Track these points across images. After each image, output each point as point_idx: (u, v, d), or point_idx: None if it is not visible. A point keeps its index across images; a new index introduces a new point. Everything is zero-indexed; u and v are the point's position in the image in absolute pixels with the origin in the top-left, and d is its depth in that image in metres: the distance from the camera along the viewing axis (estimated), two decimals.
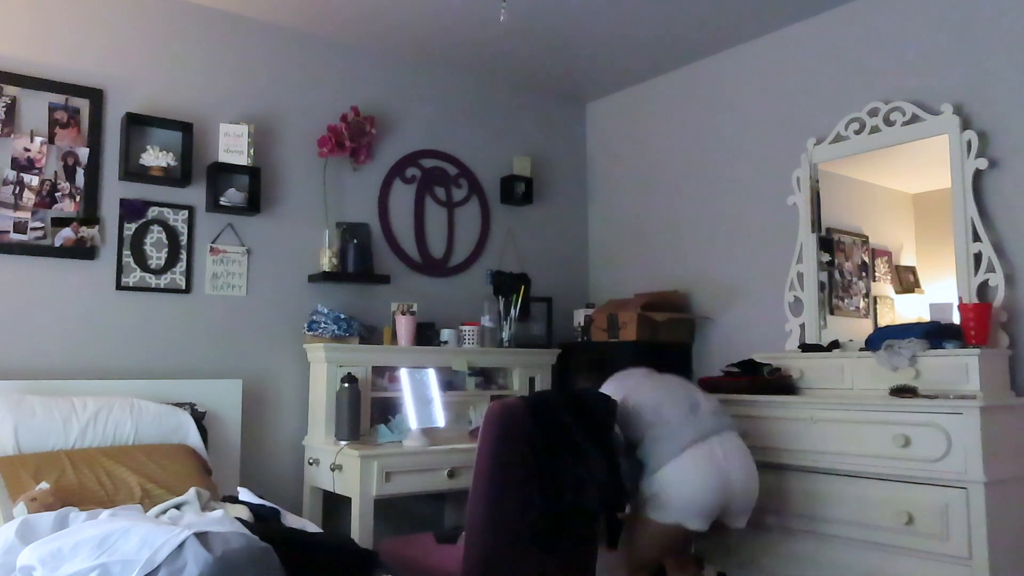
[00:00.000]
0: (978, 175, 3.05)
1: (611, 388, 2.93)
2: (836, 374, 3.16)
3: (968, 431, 2.54)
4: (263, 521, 2.49)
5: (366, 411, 3.56)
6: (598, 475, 2.62)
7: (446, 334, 3.89)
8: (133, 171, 3.34)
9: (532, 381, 4.06)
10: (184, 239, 3.48)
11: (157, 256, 3.42)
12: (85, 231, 3.24)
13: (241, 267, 3.61)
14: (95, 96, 3.31)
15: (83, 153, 3.27)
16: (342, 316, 3.64)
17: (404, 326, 3.72)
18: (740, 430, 2.83)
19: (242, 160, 3.52)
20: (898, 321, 3.36)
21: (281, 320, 3.68)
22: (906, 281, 3.45)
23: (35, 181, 3.16)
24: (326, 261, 3.71)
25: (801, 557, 2.95)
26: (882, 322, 3.42)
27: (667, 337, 3.97)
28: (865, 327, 3.39)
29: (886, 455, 2.72)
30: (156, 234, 3.42)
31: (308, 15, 3.72)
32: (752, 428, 3.12)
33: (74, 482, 2.60)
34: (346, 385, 3.41)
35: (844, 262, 3.55)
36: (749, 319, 3.84)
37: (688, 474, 2.62)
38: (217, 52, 3.63)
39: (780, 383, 3.25)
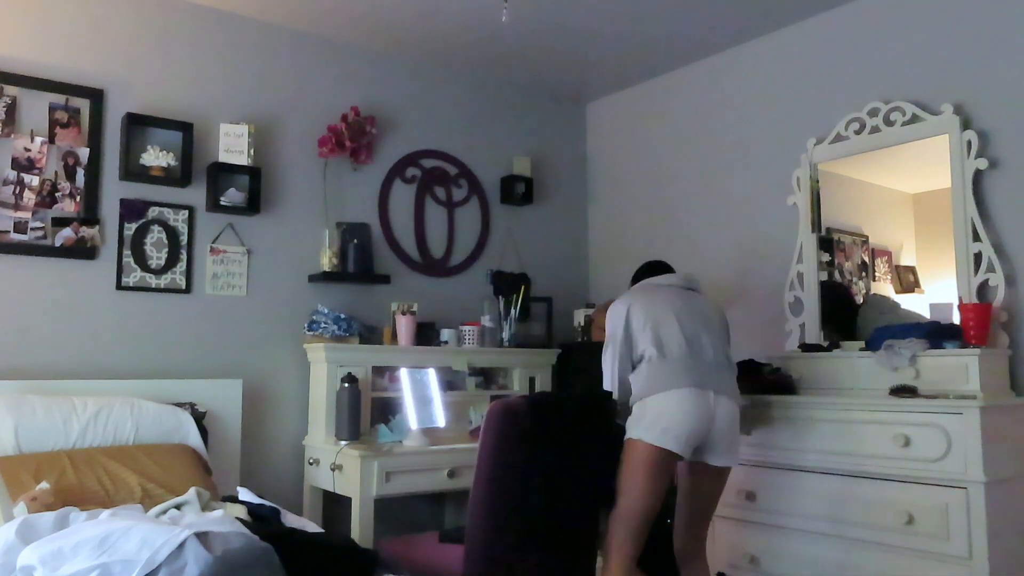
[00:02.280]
0: (978, 175, 3.05)
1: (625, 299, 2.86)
2: (836, 374, 3.16)
3: (968, 431, 2.54)
4: (263, 521, 2.49)
5: (366, 411, 3.56)
6: (599, 475, 2.62)
7: (446, 334, 3.89)
8: (133, 171, 3.34)
9: (532, 381, 4.06)
10: (184, 239, 3.48)
11: (157, 256, 3.42)
12: (85, 231, 3.25)
13: (241, 267, 3.61)
14: (95, 96, 3.31)
15: (83, 153, 3.27)
16: (342, 316, 3.64)
17: (404, 326, 3.72)
18: (741, 403, 2.79)
19: (242, 160, 3.52)
20: (898, 321, 3.36)
21: (281, 320, 3.68)
22: (906, 281, 3.45)
23: (35, 181, 3.16)
24: (326, 261, 3.71)
25: (801, 557, 2.95)
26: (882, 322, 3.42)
27: None
28: None
29: (886, 455, 2.72)
30: (156, 234, 3.42)
31: (308, 15, 3.72)
32: (752, 428, 3.12)
33: (74, 482, 2.60)
34: (346, 385, 3.41)
35: (844, 262, 3.55)
36: (749, 319, 3.84)
37: (673, 405, 2.58)
38: (217, 52, 3.63)
39: (780, 383, 3.25)
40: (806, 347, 3.40)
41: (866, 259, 3.53)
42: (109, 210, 3.33)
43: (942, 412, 2.61)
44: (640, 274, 3.07)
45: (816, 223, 3.56)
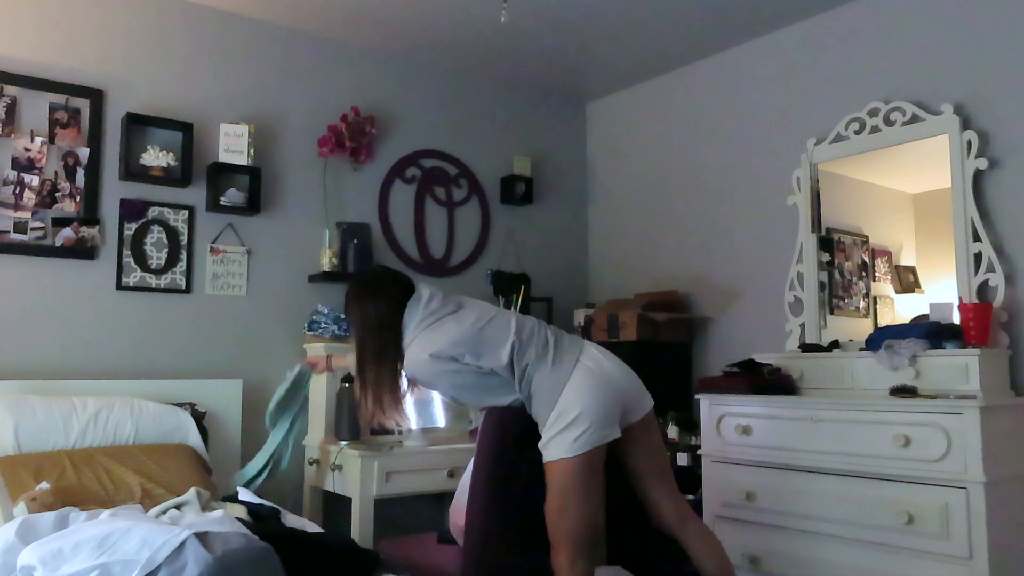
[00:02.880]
0: (978, 175, 3.05)
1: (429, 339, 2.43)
2: (836, 374, 3.16)
3: (968, 431, 2.54)
4: (263, 521, 2.49)
5: None
6: None
7: None
8: (133, 171, 3.34)
9: None
10: (184, 239, 3.48)
11: (157, 256, 3.42)
12: (85, 231, 3.25)
13: (241, 267, 3.61)
14: (95, 96, 3.31)
15: (83, 153, 3.27)
16: (342, 316, 3.64)
17: None
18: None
19: (242, 160, 3.52)
20: (898, 321, 3.36)
21: (281, 320, 3.68)
22: (906, 281, 3.44)
23: (35, 181, 3.16)
24: (326, 261, 3.71)
25: (801, 557, 2.95)
26: (882, 322, 3.42)
27: (667, 337, 3.97)
28: (865, 327, 3.39)
29: (886, 455, 2.72)
30: (156, 234, 3.42)
31: (308, 14, 3.72)
32: (752, 428, 3.12)
33: (74, 482, 2.60)
34: (346, 385, 3.41)
35: (844, 262, 3.55)
36: (749, 319, 3.84)
37: (576, 397, 2.29)
38: (217, 52, 3.63)
39: (780, 383, 3.25)
40: (806, 347, 3.40)
41: (866, 259, 3.53)
42: (109, 210, 3.33)
43: (942, 412, 2.61)
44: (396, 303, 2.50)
45: (816, 223, 3.56)
